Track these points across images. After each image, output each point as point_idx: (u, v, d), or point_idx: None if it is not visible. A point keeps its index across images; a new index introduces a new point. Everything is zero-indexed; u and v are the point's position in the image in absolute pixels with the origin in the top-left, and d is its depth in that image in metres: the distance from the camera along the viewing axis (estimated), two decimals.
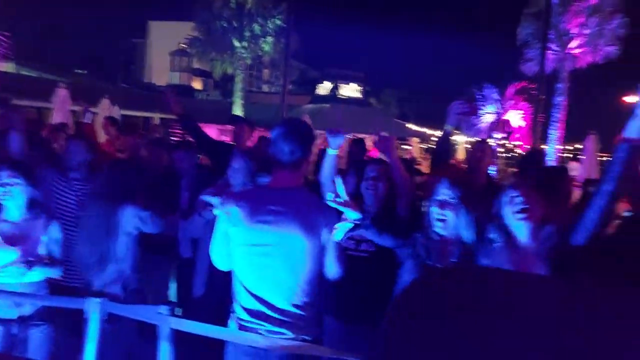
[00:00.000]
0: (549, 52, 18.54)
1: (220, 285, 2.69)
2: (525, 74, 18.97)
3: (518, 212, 2.10)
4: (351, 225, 2.08)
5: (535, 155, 4.65)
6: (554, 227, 2.11)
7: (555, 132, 19.39)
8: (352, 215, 2.07)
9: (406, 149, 23.67)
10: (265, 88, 47.92)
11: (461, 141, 25.60)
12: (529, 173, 3.59)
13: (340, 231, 2.08)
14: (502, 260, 2.11)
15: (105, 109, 9.93)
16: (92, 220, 2.97)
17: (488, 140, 16.40)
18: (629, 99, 24.58)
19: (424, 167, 10.40)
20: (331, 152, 2.80)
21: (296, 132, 2.21)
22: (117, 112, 10.11)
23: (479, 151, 3.67)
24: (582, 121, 21.36)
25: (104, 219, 2.89)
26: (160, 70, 35.33)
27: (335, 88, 28.73)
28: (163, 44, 34.75)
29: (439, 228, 2.21)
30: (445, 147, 3.69)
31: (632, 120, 1.91)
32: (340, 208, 2.08)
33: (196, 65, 31.00)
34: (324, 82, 29.71)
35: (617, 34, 18.30)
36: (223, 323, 2.27)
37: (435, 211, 2.21)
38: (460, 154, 24.97)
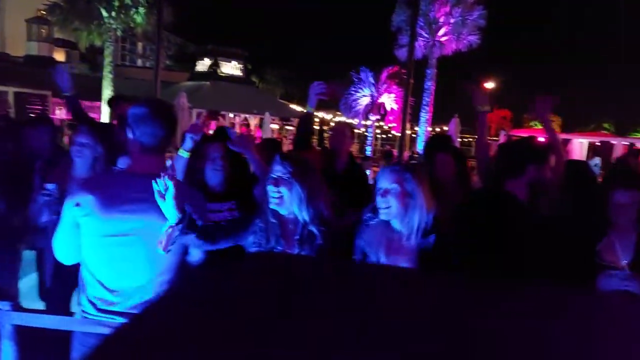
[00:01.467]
0: (419, 38, 19.80)
1: (69, 276, 2.45)
2: (400, 59, 20.01)
3: (380, 208, 2.06)
4: (175, 232, 1.89)
5: (442, 139, 4.68)
6: (431, 214, 2.07)
7: (425, 115, 20.86)
8: (171, 215, 1.87)
9: (290, 130, 23.88)
10: (140, 62, 44.93)
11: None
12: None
13: (166, 242, 1.88)
14: (374, 240, 2.11)
15: None
16: None
17: (365, 122, 17.24)
18: (488, 85, 27.30)
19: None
20: (184, 154, 2.54)
21: (160, 113, 2.06)
22: None
23: (339, 133, 3.70)
24: (446, 105, 23.27)
25: None
26: (15, 39, 31.34)
27: (215, 65, 27.73)
28: (18, 9, 30.76)
29: (275, 206, 2.06)
30: (306, 128, 3.60)
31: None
32: (163, 206, 1.88)
33: (58, 35, 27.98)
34: (204, 58, 28.53)
35: (478, 24, 20.06)
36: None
37: (271, 189, 2.05)
38: None
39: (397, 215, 2.04)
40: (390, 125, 19.53)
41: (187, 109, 13.12)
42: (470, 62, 27.27)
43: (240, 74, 28.82)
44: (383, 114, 16.36)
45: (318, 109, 25.61)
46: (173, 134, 2.14)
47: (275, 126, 20.28)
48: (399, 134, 10.14)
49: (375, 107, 16.12)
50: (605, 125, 34.05)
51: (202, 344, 0.55)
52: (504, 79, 30.60)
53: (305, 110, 3.56)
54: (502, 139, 21.38)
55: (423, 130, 20.68)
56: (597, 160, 19.07)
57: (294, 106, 24.25)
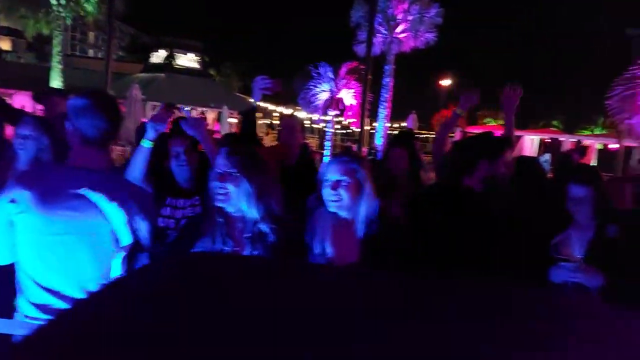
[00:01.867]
0: (378, 35, 19.94)
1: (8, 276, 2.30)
2: (359, 55, 20.10)
3: (330, 200, 2.03)
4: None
5: (407, 135, 4.72)
6: (369, 207, 2.06)
7: (384, 111, 21.05)
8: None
9: None
10: (91, 53, 43.38)
11: (302, 117, 26.45)
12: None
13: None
14: (319, 231, 2.08)
15: None
16: None
17: (324, 117, 17.22)
18: (444, 82, 27.83)
19: (266, 142, 10.52)
20: (147, 144, 2.40)
21: (102, 105, 1.95)
22: None
23: (288, 126, 3.67)
24: (405, 101, 23.62)
25: None
26: None
27: (171, 57, 27.00)
28: None
29: (221, 203, 1.95)
30: (250, 123, 3.52)
31: None
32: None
33: (3, 23, 26.60)
34: (159, 50, 27.73)
35: (435, 22, 20.39)
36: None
37: (216, 185, 1.94)
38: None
39: (347, 206, 2.03)
40: (349, 120, 19.60)
41: (140, 101, 12.71)
42: (428, 60, 27.80)
43: (197, 66, 28.20)
44: (342, 109, 16.40)
45: (278, 104, 25.38)
46: (117, 127, 2.03)
47: (233, 120, 19.95)
48: (359, 130, 10.18)
49: (334, 102, 16.13)
50: (555, 122, 35.46)
51: (123, 343, 0.54)
52: (460, 76, 31.38)
53: (250, 105, 3.49)
54: (457, 135, 21.91)
55: (382, 126, 20.86)
56: (547, 156, 19.86)
57: (252, 100, 23.95)
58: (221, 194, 1.93)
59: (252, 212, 1.95)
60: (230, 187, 1.93)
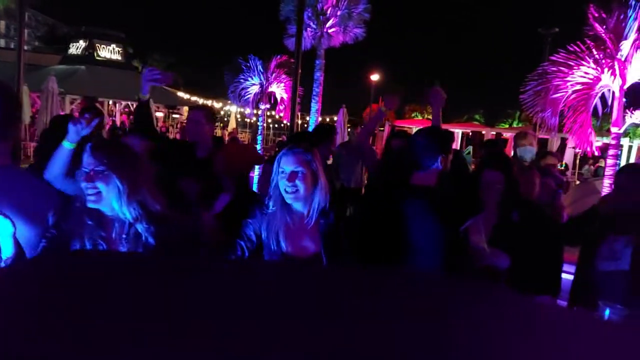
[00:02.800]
0: (308, 29, 20.00)
1: None
2: (289, 49, 20.05)
3: (287, 192, 2.05)
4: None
5: (327, 129, 4.65)
6: (323, 198, 2.10)
7: (315, 105, 21.21)
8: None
9: (176, 118, 22.83)
10: (2, 43, 40.25)
11: (233, 111, 25.98)
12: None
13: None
14: (273, 227, 2.07)
15: None
16: None
17: (256, 110, 17.01)
18: (374, 77, 28.38)
19: None
20: (68, 145, 2.24)
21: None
22: None
23: (193, 120, 3.49)
24: (335, 95, 23.88)
25: None
26: None
27: (91, 48, 25.52)
28: None
29: (94, 204, 1.79)
30: (143, 117, 3.33)
31: None
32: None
33: None
34: (78, 40, 26.11)
35: (363, 18, 20.74)
36: None
37: (85, 186, 1.77)
38: (232, 123, 25.39)
39: (303, 197, 2.05)
40: (281, 114, 19.56)
41: (57, 94, 11.93)
42: (358, 55, 28.27)
43: (120, 58, 26.84)
44: (273, 103, 16.30)
45: (207, 97, 24.75)
46: (13, 119, 1.86)
47: (160, 114, 19.28)
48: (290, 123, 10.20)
49: (265, 96, 15.99)
50: (476, 116, 37.34)
51: None
52: (388, 71, 32.19)
53: (138, 98, 3.25)
54: (387, 129, 22.48)
55: (314, 120, 20.99)
56: (469, 148, 20.86)
57: (180, 93, 23.21)
58: (91, 194, 1.78)
59: (124, 211, 1.81)
60: (101, 186, 1.78)
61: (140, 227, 1.81)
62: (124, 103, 22.88)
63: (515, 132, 21.89)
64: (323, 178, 2.09)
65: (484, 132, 23.72)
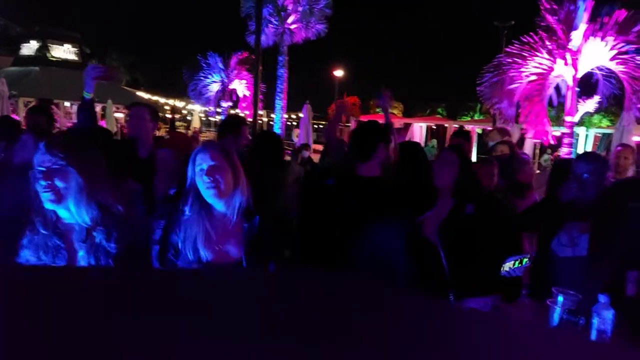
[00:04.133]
0: (270, 26, 19.86)
1: None
2: (251, 45, 19.87)
3: (207, 188, 1.88)
4: None
5: (234, 120, 4.37)
6: (245, 197, 1.95)
7: (280, 102, 21.08)
8: None
9: None
10: None
11: (197, 110, 25.57)
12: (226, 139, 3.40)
13: None
14: (192, 234, 1.89)
15: None
16: None
17: (218, 108, 16.83)
18: (338, 72, 28.45)
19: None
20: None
21: None
22: None
23: (136, 117, 3.32)
24: (300, 92, 23.82)
25: None
26: None
27: (44, 48, 24.62)
28: None
29: (52, 204, 1.67)
30: (86, 116, 3.16)
31: None
32: None
33: None
34: (30, 41, 25.14)
35: (325, 14, 20.74)
36: None
37: (41, 185, 1.65)
38: (195, 122, 24.99)
39: (224, 193, 1.89)
40: (245, 112, 19.37)
41: (6, 97, 11.47)
42: (322, 50, 28.25)
43: (75, 58, 26.00)
44: (236, 100, 16.12)
45: (168, 96, 24.26)
46: None
47: (120, 115, 18.79)
48: (253, 121, 10.08)
49: (227, 93, 15.79)
50: (439, 110, 37.94)
51: None
52: (351, 67, 32.32)
53: (83, 96, 3.09)
54: (353, 124, 22.57)
55: (279, 117, 20.89)
56: (434, 141, 21.14)
57: (141, 93, 22.69)
58: (49, 192, 1.65)
59: (83, 215, 1.70)
60: (59, 184, 1.65)
61: (99, 233, 1.71)
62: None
63: (477, 124, 22.27)
64: (243, 176, 1.95)
65: (446, 125, 24.08)
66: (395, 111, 38.31)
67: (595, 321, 1.81)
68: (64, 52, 25.56)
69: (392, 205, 2.47)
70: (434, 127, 25.68)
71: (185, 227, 1.90)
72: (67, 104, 22.16)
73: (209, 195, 1.89)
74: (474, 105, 33.42)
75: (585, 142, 22.41)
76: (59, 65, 24.43)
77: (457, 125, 24.32)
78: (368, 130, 2.79)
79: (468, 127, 22.29)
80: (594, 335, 1.79)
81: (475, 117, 31.04)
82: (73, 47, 25.84)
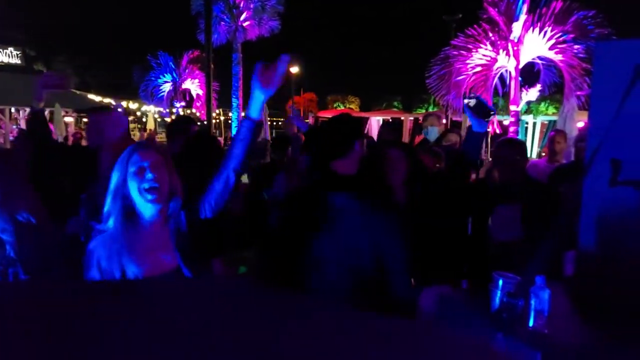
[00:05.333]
0: (222, 23, 19.61)
1: None
2: (203, 44, 19.56)
3: (147, 190, 1.69)
4: None
5: (183, 121, 4.06)
6: (179, 201, 1.80)
7: (236, 100, 20.87)
8: None
9: (87, 122, 21.56)
10: None
11: (151, 111, 24.98)
12: (175, 140, 3.28)
13: None
14: (118, 250, 1.70)
15: None
16: None
17: (172, 109, 16.52)
18: (293, 69, 28.42)
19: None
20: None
21: None
22: None
23: (94, 123, 3.07)
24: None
25: None
26: None
27: None
28: None
29: None
30: (35, 126, 3.02)
31: None
32: None
33: None
34: None
35: (277, 10, 20.66)
36: None
37: None
38: (150, 124, 24.42)
39: (162, 195, 1.72)
40: (201, 112, 19.09)
41: None
42: (275, 48, 28.07)
43: (19, 62, 24.91)
44: (189, 100, 15.84)
45: (121, 98, 23.61)
46: None
47: (70, 119, 18.14)
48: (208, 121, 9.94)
49: (179, 93, 15.51)
50: (395, 103, 38.49)
51: None
52: (307, 62, 32.30)
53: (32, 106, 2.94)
54: (311, 120, 22.58)
55: (236, 115, 20.68)
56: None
57: (91, 96, 21.95)
58: None
59: None
60: None
61: (8, 246, 1.63)
62: (27, 109, 21.28)
63: None
64: (177, 177, 1.79)
65: (402, 117, 24.43)
66: (352, 106, 38.62)
67: (533, 302, 1.89)
68: (6, 55, 24.43)
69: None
70: (390, 120, 25.99)
71: (109, 242, 1.70)
72: (12, 109, 21.23)
73: (146, 198, 1.69)
74: (428, 98, 34.07)
75: (533, 130, 23.26)
76: (1, 69, 23.33)
77: (412, 118, 24.74)
78: (343, 127, 2.60)
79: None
80: (532, 316, 1.87)
81: (430, 109, 31.64)
82: (16, 50, 24.73)
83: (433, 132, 4.93)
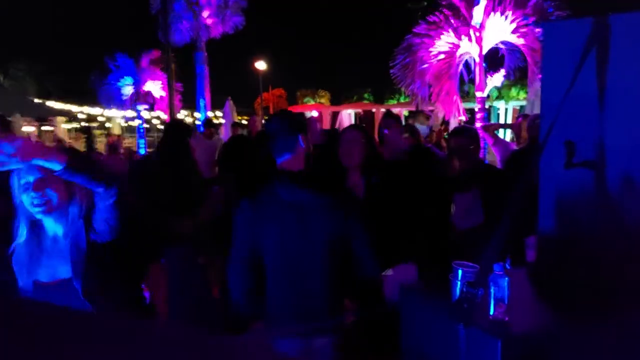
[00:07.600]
0: (184, 21, 19.21)
1: None
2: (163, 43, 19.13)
3: (34, 205, 1.67)
4: None
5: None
6: (83, 206, 1.74)
7: (203, 100, 20.49)
8: None
9: (48, 130, 20.79)
10: None
11: (115, 116, 24.38)
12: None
13: None
14: (24, 260, 1.71)
15: None
16: None
17: (133, 112, 16.09)
18: (260, 65, 28.16)
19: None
20: None
21: None
22: None
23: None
24: (223, 88, 23.35)
25: None
26: None
27: None
28: None
29: None
30: None
31: None
32: None
33: None
34: None
35: (241, 6, 20.35)
36: None
37: None
38: (115, 129, 23.86)
39: (56, 207, 1.69)
40: (166, 114, 18.73)
41: None
42: (242, 44, 27.79)
43: None
44: (152, 102, 15.48)
45: (82, 104, 22.88)
46: None
47: (31, 128, 17.57)
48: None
49: (141, 95, 15.15)
50: (366, 95, 38.59)
51: None
52: (273, 58, 32.06)
53: None
54: None
55: (203, 116, 20.32)
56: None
57: (51, 103, 21.26)
58: None
59: None
60: None
61: None
62: None
63: (403, 106, 22.85)
64: (79, 187, 1.69)
65: (374, 110, 24.49)
66: (323, 100, 38.55)
67: (492, 290, 1.87)
68: None
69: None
70: (362, 112, 26.04)
71: (17, 253, 1.74)
72: None
73: (36, 212, 1.69)
74: (399, 89, 34.22)
75: (505, 115, 23.61)
76: None
77: (384, 110, 24.82)
78: (287, 122, 2.53)
79: (395, 110, 22.80)
80: (492, 304, 1.83)
81: (401, 100, 31.80)
82: None
83: (422, 131, 5.00)
